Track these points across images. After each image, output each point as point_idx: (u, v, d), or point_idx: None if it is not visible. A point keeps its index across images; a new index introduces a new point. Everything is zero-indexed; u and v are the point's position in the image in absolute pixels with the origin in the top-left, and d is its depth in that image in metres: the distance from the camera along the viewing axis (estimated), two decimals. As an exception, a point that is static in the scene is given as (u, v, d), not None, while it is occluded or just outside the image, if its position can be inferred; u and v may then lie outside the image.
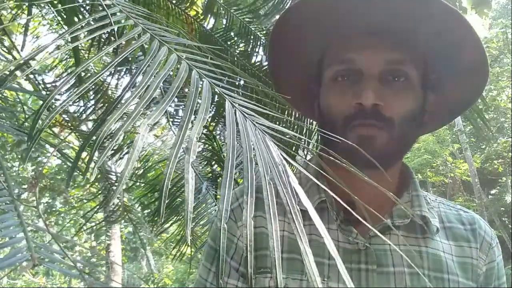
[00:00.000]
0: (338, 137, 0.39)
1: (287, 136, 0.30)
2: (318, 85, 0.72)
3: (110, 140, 0.25)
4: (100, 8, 0.41)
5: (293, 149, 1.46)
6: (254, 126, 0.26)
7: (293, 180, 0.23)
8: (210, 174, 2.05)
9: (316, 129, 1.52)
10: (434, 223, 0.67)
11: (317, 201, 0.67)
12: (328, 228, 0.66)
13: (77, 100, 2.05)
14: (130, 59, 1.79)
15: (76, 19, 1.15)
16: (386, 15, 0.63)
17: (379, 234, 0.29)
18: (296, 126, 1.63)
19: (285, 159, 0.25)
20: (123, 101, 0.30)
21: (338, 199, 0.27)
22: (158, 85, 0.27)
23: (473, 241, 0.70)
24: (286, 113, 1.56)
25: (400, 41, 0.65)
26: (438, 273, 0.65)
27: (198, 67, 0.32)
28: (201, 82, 0.30)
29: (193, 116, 0.27)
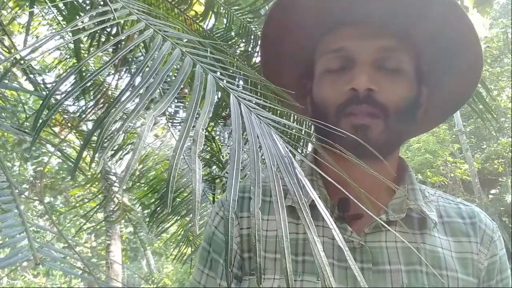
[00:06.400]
0: (331, 126, 0.38)
1: (292, 130, 0.30)
2: (311, 79, 0.71)
3: (112, 136, 0.25)
4: (102, 3, 0.41)
5: (295, 141, 1.46)
6: (259, 119, 0.26)
7: (300, 171, 0.23)
8: (208, 176, 2.05)
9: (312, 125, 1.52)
10: (431, 217, 0.65)
11: (311, 198, 0.66)
12: (323, 226, 0.65)
13: (77, 100, 2.05)
14: (129, 59, 1.79)
15: (77, 17, 1.15)
16: (382, 4, 0.62)
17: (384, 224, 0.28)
18: (297, 119, 1.62)
19: (290, 151, 0.25)
20: (124, 98, 0.30)
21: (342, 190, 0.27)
22: (162, 79, 0.27)
23: (473, 235, 0.68)
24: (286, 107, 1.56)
25: (395, 31, 0.64)
26: (437, 270, 0.63)
27: (201, 62, 0.32)
28: (205, 76, 0.30)
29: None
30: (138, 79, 0.32)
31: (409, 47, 0.66)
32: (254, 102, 0.29)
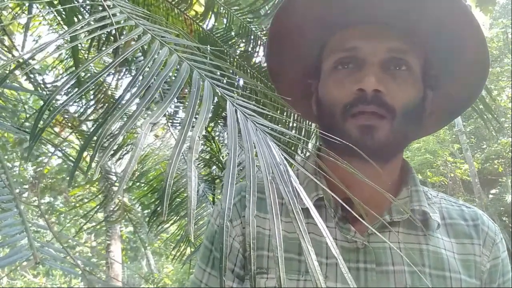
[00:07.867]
0: (337, 138, 0.39)
1: (287, 136, 0.31)
2: (317, 79, 0.71)
3: (111, 140, 0.25)
4: (101, 9, 0.41)
5: (292, 149, 1.46)
6: (255, 126, 0.26)
7: (294, 179, 0.24)
8: (208, 176, 2.04)
9: (314, 129, 1.52)
10: (435, 218, 0.65)
11: (314, 198, 0.66)
12: (327, 226, 0.65)
13: (78, 100, 2.05)
14: (130, 59, 1.79)
15: (76, 20, 1.15)
16: (390, 4, 0.63)
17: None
18: (295, 126, 1.63)
19: (285, 158, 0.25)
20: (123, 102, 0.30)
21: (336, 196, 0.27)
22: (159, 85, 0.27)
23: (476, 237, 0.68)
24: (285, 113, 1.56)
25: (403, 32, 0.65)
26: (440, 271, 0.63)
27: (199, 68, 0.32)
28: (202, 82, 0.30)
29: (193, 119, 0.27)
30: (139, 78, 0.32)
31: (416, 49, 0.66)
32: (252, 109, 0.29)
